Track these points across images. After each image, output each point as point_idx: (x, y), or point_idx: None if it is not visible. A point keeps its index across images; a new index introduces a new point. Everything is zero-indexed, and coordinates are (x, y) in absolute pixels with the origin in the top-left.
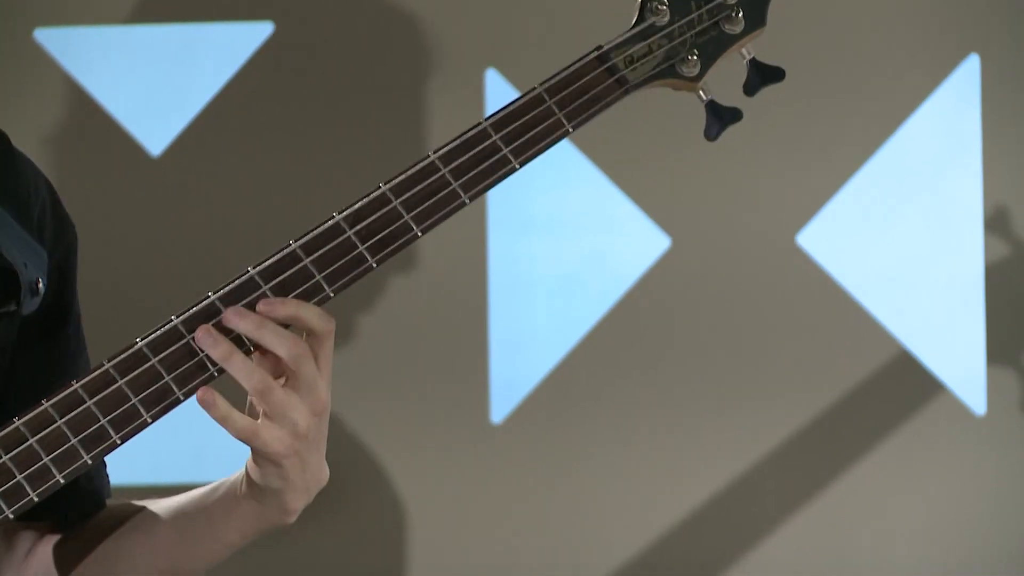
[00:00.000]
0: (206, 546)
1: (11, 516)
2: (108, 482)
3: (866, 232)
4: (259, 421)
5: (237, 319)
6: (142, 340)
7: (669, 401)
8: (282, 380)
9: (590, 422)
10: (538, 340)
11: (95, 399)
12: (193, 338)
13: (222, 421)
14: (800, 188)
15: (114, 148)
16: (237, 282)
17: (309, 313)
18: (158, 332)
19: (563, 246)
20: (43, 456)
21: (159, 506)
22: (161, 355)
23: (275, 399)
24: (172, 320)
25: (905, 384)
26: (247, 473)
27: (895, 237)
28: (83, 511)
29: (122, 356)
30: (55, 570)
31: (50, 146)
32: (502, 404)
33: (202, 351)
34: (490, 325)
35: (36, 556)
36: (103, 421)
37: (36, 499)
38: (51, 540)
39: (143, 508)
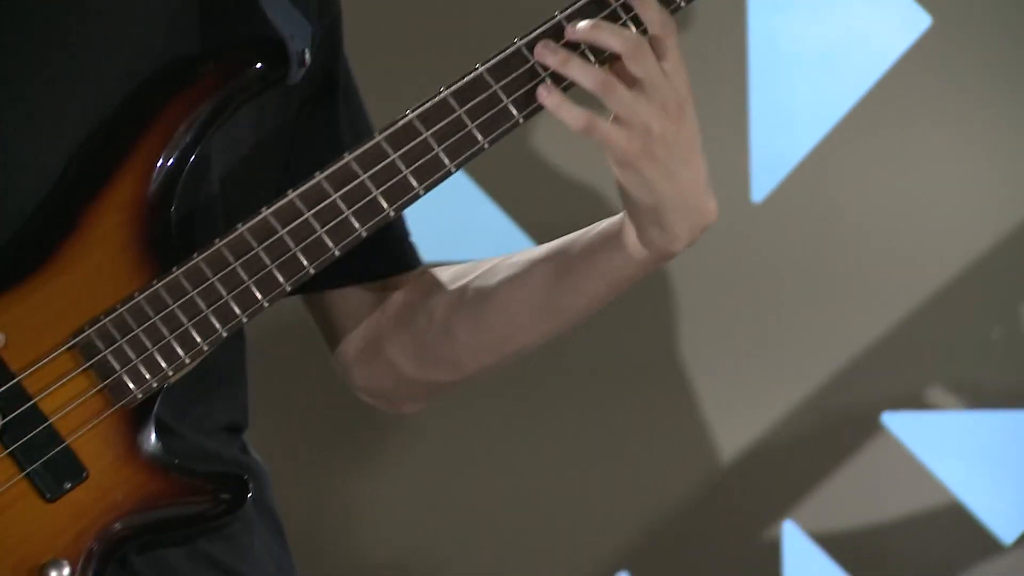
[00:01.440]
0: (589, 283)
1: (311, 271)
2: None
3: None
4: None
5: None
6: (446, 89)
7: None
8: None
9: (854, 204)
10: (799, 119)
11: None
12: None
13: (556, 108)
14: None
15: None
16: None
17: (651, 12)
18: (430, 102)
19: (824, 23)
20: (343, 211)
21: (526, 252)
22: (467, 105)
23: (619, 96)
24: (440, 91)
25: None
26: (623, 202)
27: None
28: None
29: (427, 105)
30: (425, 317)
31: None
32: (762, 183)
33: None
34: (750, 104)
35: (400, 304)
36: (406, 172)
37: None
38: (415, 291)
39: (507, 256)
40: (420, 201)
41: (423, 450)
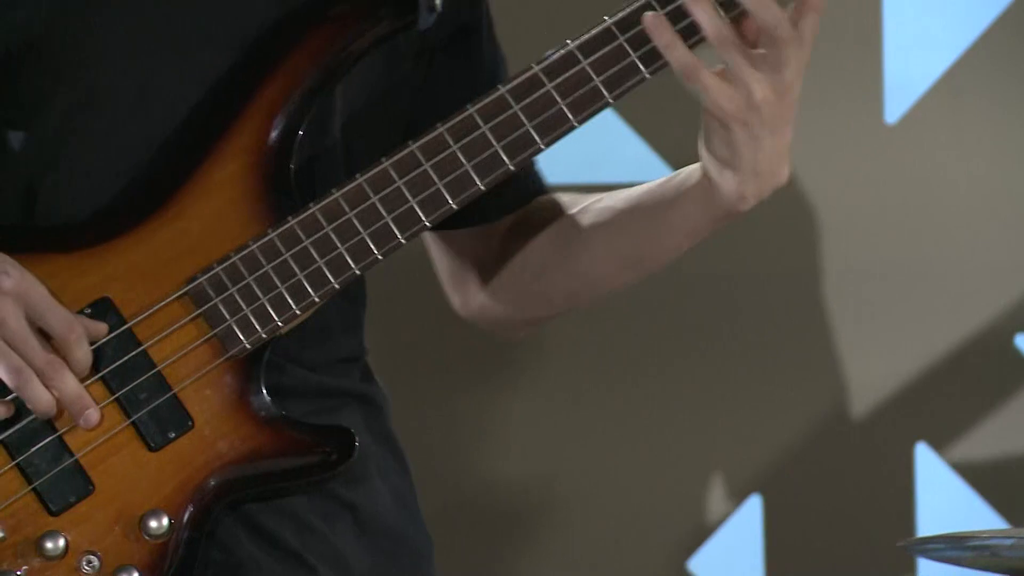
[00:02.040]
0: (666, 233)
1: (428, 223)
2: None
3: None
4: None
5: None
6: (573, 42)
7: None
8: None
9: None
10: (933, 39)
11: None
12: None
13: (666, 48)
14: None
15: None
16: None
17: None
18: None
19: None
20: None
21: (613, 196)
22: (592, 57)
23: (734, 53)
24: (568, 44)
25: None
26: (701, 148)
27: None
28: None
29: (552, 58)
30: (520, 258)
31: None
32: (895, 106)
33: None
34: (884, 24)
35: (503, 247)
36: (528, 126)
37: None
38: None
39: (598, 198)
40: None
41: (546, 371)
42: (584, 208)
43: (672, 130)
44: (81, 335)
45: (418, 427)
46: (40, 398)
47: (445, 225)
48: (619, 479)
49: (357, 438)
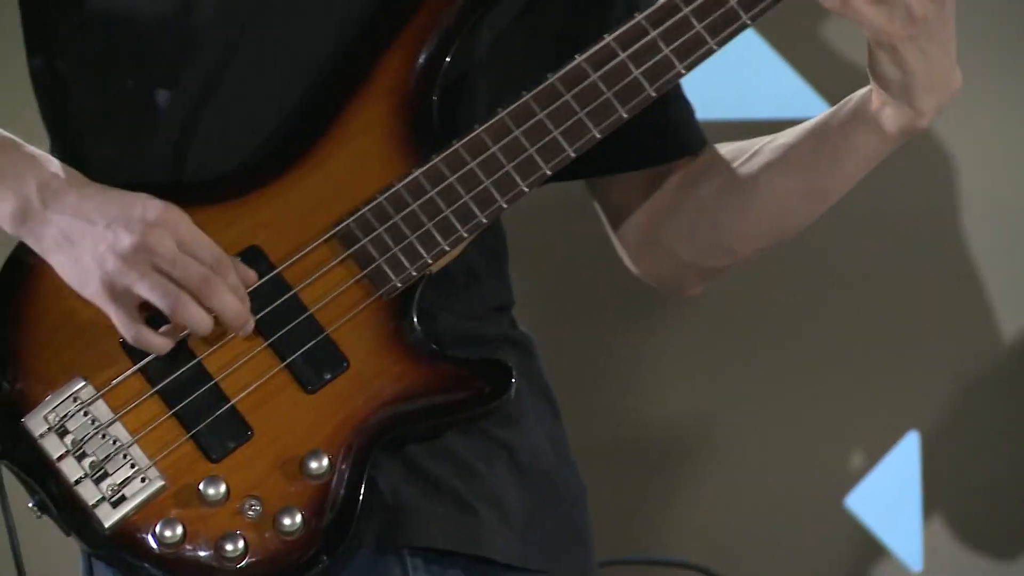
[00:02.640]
0: (844, 160)
1: (572, 153)
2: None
3: None
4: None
5: None
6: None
7: None
8: None
9: None
10: None
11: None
12: None
13: None
14: None
15: None
16: None
17: None
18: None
19: None
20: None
21: (782, 135)
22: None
23: None
24: None
25: None
26: (871, 76)
27: None
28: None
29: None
30: (694, 208)
31: None
32: None
33: None
34: None
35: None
36: (666, 50)
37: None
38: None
39: (768, 139)
40: (711, 59)
41: (697, 310)
42: (756, 151)
43: (825, 61)
44: (229, 265)
45: (567, 373)
46: (197, 318)
47: (613, 169)
48: (774, 418)
49: (514, 371)
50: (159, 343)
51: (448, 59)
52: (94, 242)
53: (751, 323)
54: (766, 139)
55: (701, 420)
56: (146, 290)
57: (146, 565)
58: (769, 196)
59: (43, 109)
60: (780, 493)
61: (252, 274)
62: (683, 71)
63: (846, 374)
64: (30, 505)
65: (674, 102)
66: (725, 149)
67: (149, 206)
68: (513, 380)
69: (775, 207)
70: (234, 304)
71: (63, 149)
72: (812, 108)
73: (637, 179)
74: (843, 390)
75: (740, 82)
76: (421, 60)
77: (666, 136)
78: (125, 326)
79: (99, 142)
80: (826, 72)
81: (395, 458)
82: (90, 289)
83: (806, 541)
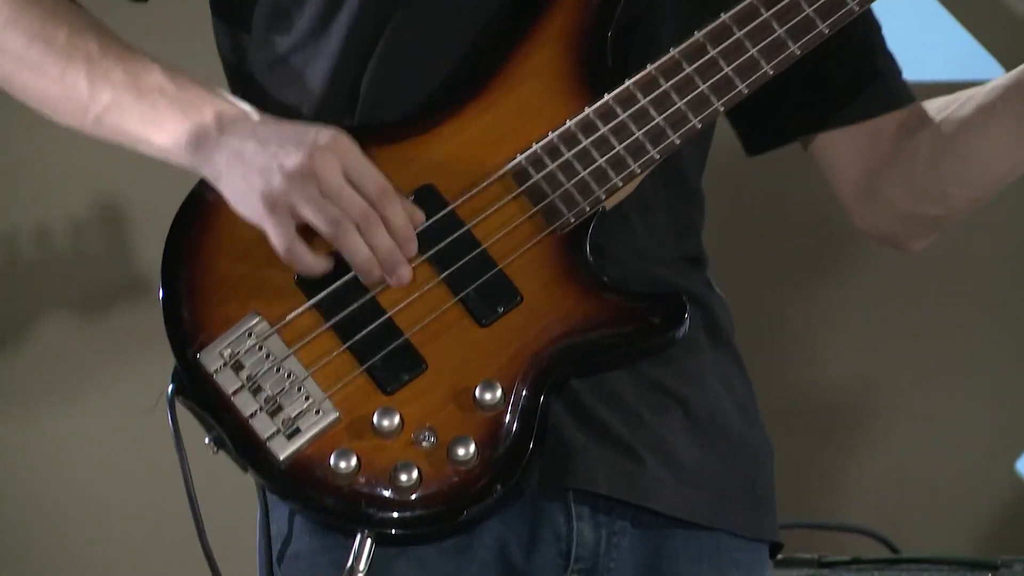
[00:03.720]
0: None
1: (744, 90)
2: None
3: None
4: None
5: None
6: None
7: None
8: None
9: None
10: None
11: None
12: None
13: None
14: None
15: None
16: None
17: None
18: None
19: None
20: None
21: (1002, 78)
22: None
23: None
24: None
25: None
26: None
27: None
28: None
29: None
30: (909, 153)
31: None
32: None
33: None
34: None
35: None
36: (807, 9)
37: (745, 90)
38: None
39: (979, 88)
40: (886, 23)
41: (868, 274)
42: (968, 96)
43: (1001, 24)
44: (393, 197)
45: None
46: (358, 250)
47: (828, 124)
48: (944, 382)
49: (688, 305)
50: (312, 260)
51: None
52: (265, 160)
53: (923, 288)
54: (978, 88)
55: (870, 386)
56: (310, 212)
57: (322, 496)
58: (981, 138)
59: (225, 65)
60: (951, 457)
61: (420, 214)
62: (826, 30)
63: (1018, 337)
64: (206, 441)
65: (881, 55)
66: (937, 102)
67: (322, 132)
68: (687, 315)
69: (987, 149)
70: (387, 243)
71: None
72: (988, 71)
73: (852, 134)
74: (1014, 352)
75: (916, 44)
76: (593, 1)
77: (879, 89)
78: (279, 237)
79: (280, 91)
80: (1001, 34)
81: (564, 400)
82: (251, 203)
83: (976, 506)
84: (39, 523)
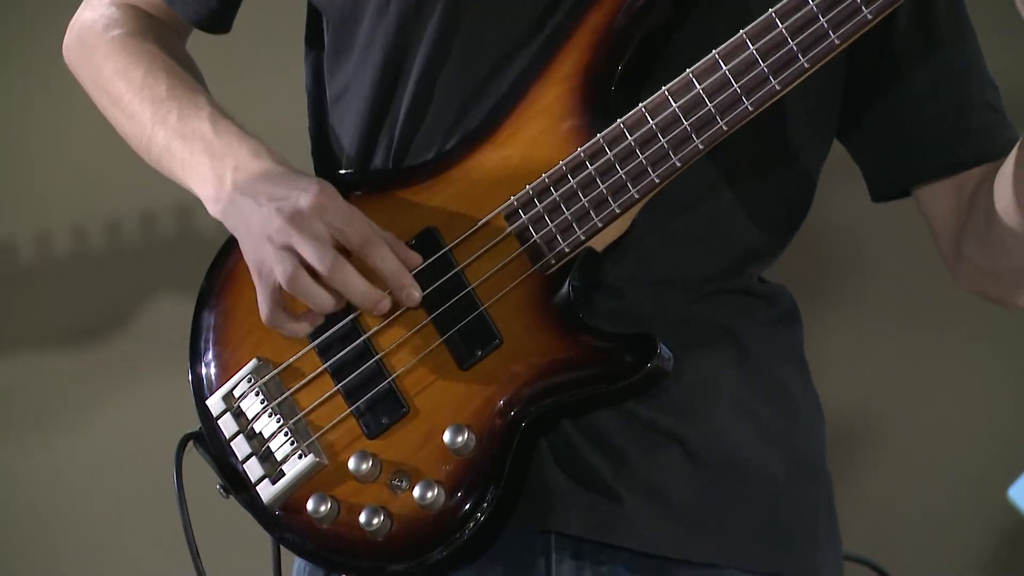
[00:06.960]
0: None
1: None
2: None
3: None
4: None
5: None
6: None
7: None
8: None
9: None
10: None
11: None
12: None
13: None
14: None
15: None
16: None
17: None
18: None
19: None
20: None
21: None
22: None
23: None
24: None
25: None
26: None
27: None
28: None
29: None
30: (986, 202)
31: None
32: None
33: None
34: None
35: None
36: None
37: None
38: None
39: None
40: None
41: (868, 300)
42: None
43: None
44: (379, 246)
45: None
46: (320, 298)
47: (920, 179)
48: (940, 407)
49: (660, 346)
50: (293, 326)
51: (631, 49)
52: (260, 222)
53: (922, 316)
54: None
55: (864, 413)
56: (292, 285)
57: (304, 540)
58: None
59: (308, 98)
60: (945, 482)
61: (416, 257)
62: (837, 41)
63: (1010, 366)
64: (217, 486)
65: (978, 109)
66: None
67: (303, 195)
68: (658, 354)
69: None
70: (394, 266)
71: (319, 144)
72: None
73: (942, 190)
74: (1007, 383)
75: None
76: (602, 45)
77: (959, 143)
78: (261, 304)
79: (339, 124)
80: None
81: (553, 442)
82: (249, 264)
83: (969, 534)
84: (41, 534)
